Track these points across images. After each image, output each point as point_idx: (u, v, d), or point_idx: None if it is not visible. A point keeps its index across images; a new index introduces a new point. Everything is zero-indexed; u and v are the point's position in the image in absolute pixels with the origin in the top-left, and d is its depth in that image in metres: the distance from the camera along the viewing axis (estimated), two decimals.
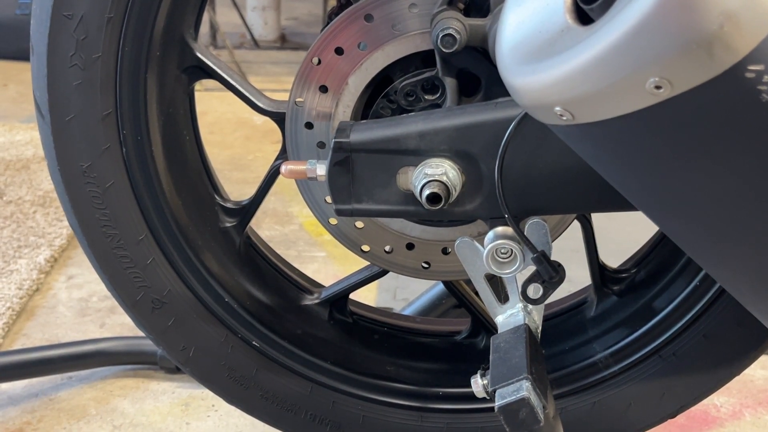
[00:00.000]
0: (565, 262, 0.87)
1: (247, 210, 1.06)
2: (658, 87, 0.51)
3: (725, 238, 0.61)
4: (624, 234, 1.57)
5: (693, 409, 1.09)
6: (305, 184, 0.99)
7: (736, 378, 1.05)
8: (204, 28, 3.92)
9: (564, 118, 0.58)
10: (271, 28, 4.14)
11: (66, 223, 1.99)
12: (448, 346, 1.14)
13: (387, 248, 0.99)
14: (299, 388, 1.08)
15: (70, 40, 0.91)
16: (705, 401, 1.10)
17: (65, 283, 1.82)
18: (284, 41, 4.20)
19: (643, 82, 0.52)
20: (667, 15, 0.49)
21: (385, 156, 0.85)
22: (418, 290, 1.51)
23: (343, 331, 1.12)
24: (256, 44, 4.08)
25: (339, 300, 1.11)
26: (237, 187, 2.28)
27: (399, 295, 1.76)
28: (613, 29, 0.52)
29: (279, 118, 0.98)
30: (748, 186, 0.55)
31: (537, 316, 0.87)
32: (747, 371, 1.07)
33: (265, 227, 2.11)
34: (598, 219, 1.03)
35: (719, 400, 1.46)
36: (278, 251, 1.16)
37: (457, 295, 1.10)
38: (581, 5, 0.57)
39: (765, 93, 0.49)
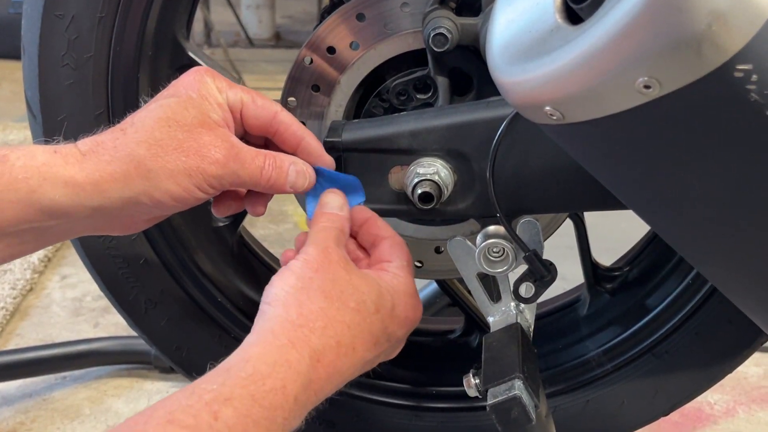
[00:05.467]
0: (560, 260, 0.88)
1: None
2: (647, 86, 0.51)
3: (714, 236, 0.61)
4: (619, 231, 1.57)
5: (687, 406, 1.09)
6: None
7: (730, 375, 1.05)
8: (198, 26, 3.91)
9: (554, 117, 0.58)
10: (266, 27, 4.13)
11: None
12: (441, 344, 1.14)
13: None
14: None
15: (61, 40, 0.91)
16: (699, 399, 1.11)
17: (59, 283, 1.81)
18: (279, 39, 4.19)
19: (632, 82, 0.52)
20: (656, 14, 0.49)
21: (377, 155, 0.85)
22: None
23: None
24: (250, 43, 4.08)
25: None
26: None
27: None
28: (602, 29, 0.52)
29: None
30: (736, 185, 0.55)
31: (529, 314, 0.87)
32: (741, 368, 1.07)
33: (259, 226, 2.11)
34: (593, 217, 1.04)
35: (713, 398, 1.46)
36: (273, 250, 1.16)
37: (451, 294, 1.10)
38: (571, 4, 0.57)
39: (753, 92, 0.50)
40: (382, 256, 0.81)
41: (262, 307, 0.72)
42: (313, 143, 0.82)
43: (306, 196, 0.84)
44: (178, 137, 0.73)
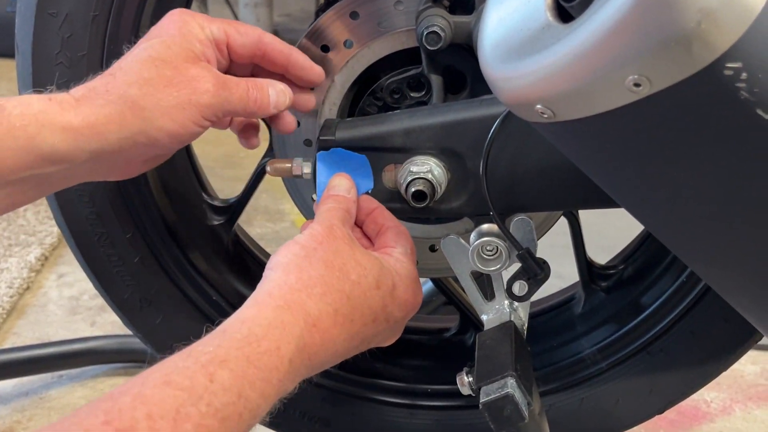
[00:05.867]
0: (557, 259, 0.87)
1: (235, 208, 1.06)
2: (637, 84, 0.51)
3: (705, 234, 0.61)
4: (615, 230, 1.57)
5: (683, 404, 1.09)
6: (292, 182, 0.98)
7: (727, 373, 1.05)
8: None
9: (545, 115, 0.58)
10: (264, 25, 4.12)
11: None
12: (437, 343, 1.14)
13: None
14: None
15: (55, 39, 0.90)
16: (695, 397, 1.10)
17: (56, 282, 1.81)
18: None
19: (622, 80, 0.52)
20: (646, 12, 0.49)
21: (371, 153, 0.85)
22: None
23: None
24: None
25: None
26: (229, 185, 2.28)
27: None
28: (592, 27, 0.52)
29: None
30: (726, 182, 0.55)
31: (523, 312, 0.87)
32: (737, 366, 1.07)
33: (256, 225, 2.11)
34: (589, 215, 1.03)
35: (709, 396, 1.46)
36: (270, 249, 1.16)
37: (446, 293, 1.10)
38: (561, 2, 0.57)
39: (743, 90, 0.49)
40: (387, 243, 0.82)
41: (264, 273, 0.74)
42: (300, 57, 0.86)
43: (317, 179, 0.86)
44: (166, 74, 0.76)
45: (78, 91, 0.76)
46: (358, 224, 0.84)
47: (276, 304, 0.69)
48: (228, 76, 0.80)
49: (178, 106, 0.76)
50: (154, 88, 0.75)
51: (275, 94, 0.83)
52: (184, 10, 0.82)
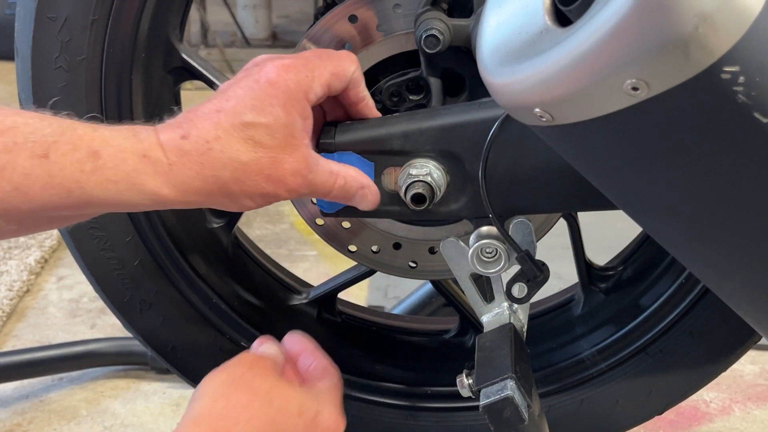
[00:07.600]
0: (556, 260, 0.88)
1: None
2: (635, 88, 0.52)
3: (704, 237, 0.61)
4: (614, 231, 1.58)
5: (682, 404, 1.09)
6: None
7: (726, 373, 1.05)
8: (195, 27, 3.91)
9: (543, 119, 0.59)
10: (262, 27, 4.13)
11: None
12: (436, 344, 1.14)
13: (374, 248, 0.99)
14: None
15: (54, 42, 0.91)
16: (694, 397, 1.11)
17: (56, 284, 1.81)
18: (275, 39, 4.19)
19: (620, 84, 0.52)
20: (643, 16, 0.49)
21: (370, 156, 0.85)
22: (409, 288, 1.51)
23: (332, 331, 1.12)
24: (247, 43, 4.07)
25: (327, 300, 1.11)
26: None
27: (390, 293, 1.76)
28: (590, 31, 0.52)
29: None
30: (724, 186, 0.55)
31: (522, 314, 0.87)
32: (736, 366, 1.07)
33: (256, 226, 2.11)
34: (588, 216, 1.04)
35: (709, 396, 1.46)
36: (269, 250, 1.16)
37: (445, 295, 1.10)
38: (560, 6, 0.57)
39: (741, 94, 0.50)
40: (313, 377, 0.89)
41: (189, 404, 0.79)
42: (370, 104, 0.86)
43: None
44: (262, 162, 0.75)
45: (172, 151, 0.74)
46: (293, 359, 0.92)
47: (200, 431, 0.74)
48: (320, 170, 0.79)
49: (262, 196, 0.77)
50: (246, 175, 0.75)
51: (360, 198, 0.83)
52: (288, 68, 0.77)
